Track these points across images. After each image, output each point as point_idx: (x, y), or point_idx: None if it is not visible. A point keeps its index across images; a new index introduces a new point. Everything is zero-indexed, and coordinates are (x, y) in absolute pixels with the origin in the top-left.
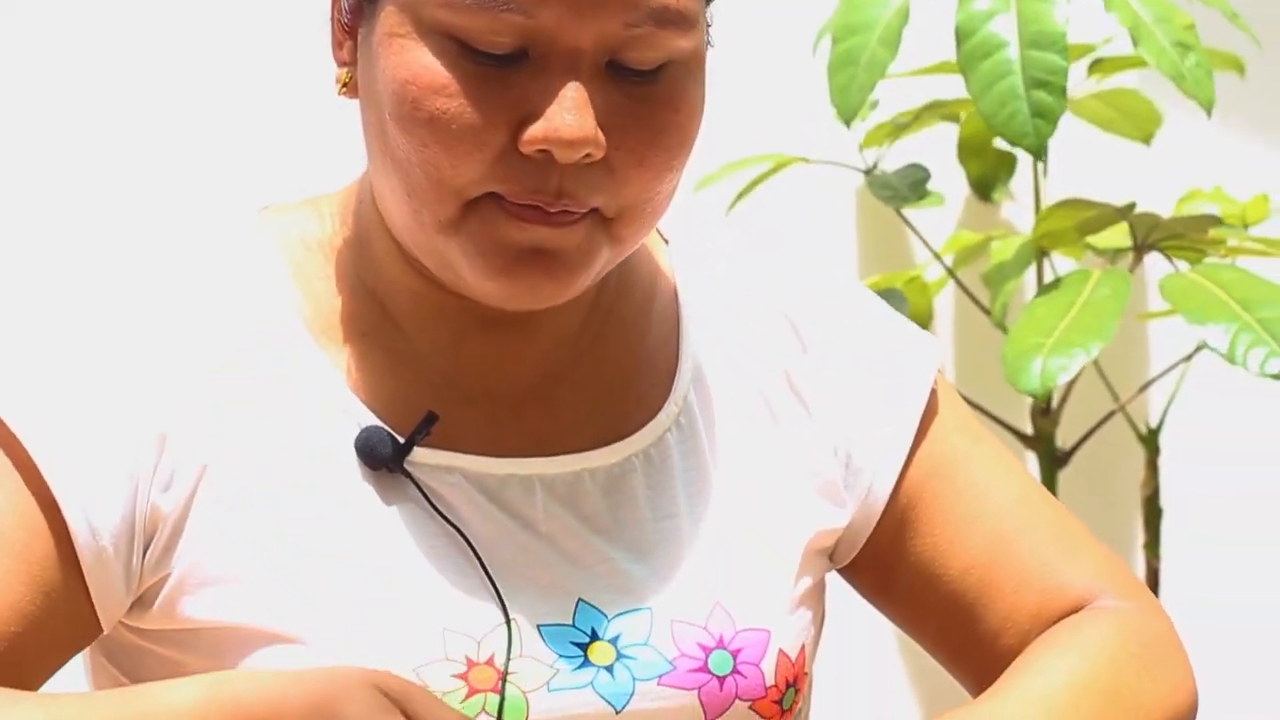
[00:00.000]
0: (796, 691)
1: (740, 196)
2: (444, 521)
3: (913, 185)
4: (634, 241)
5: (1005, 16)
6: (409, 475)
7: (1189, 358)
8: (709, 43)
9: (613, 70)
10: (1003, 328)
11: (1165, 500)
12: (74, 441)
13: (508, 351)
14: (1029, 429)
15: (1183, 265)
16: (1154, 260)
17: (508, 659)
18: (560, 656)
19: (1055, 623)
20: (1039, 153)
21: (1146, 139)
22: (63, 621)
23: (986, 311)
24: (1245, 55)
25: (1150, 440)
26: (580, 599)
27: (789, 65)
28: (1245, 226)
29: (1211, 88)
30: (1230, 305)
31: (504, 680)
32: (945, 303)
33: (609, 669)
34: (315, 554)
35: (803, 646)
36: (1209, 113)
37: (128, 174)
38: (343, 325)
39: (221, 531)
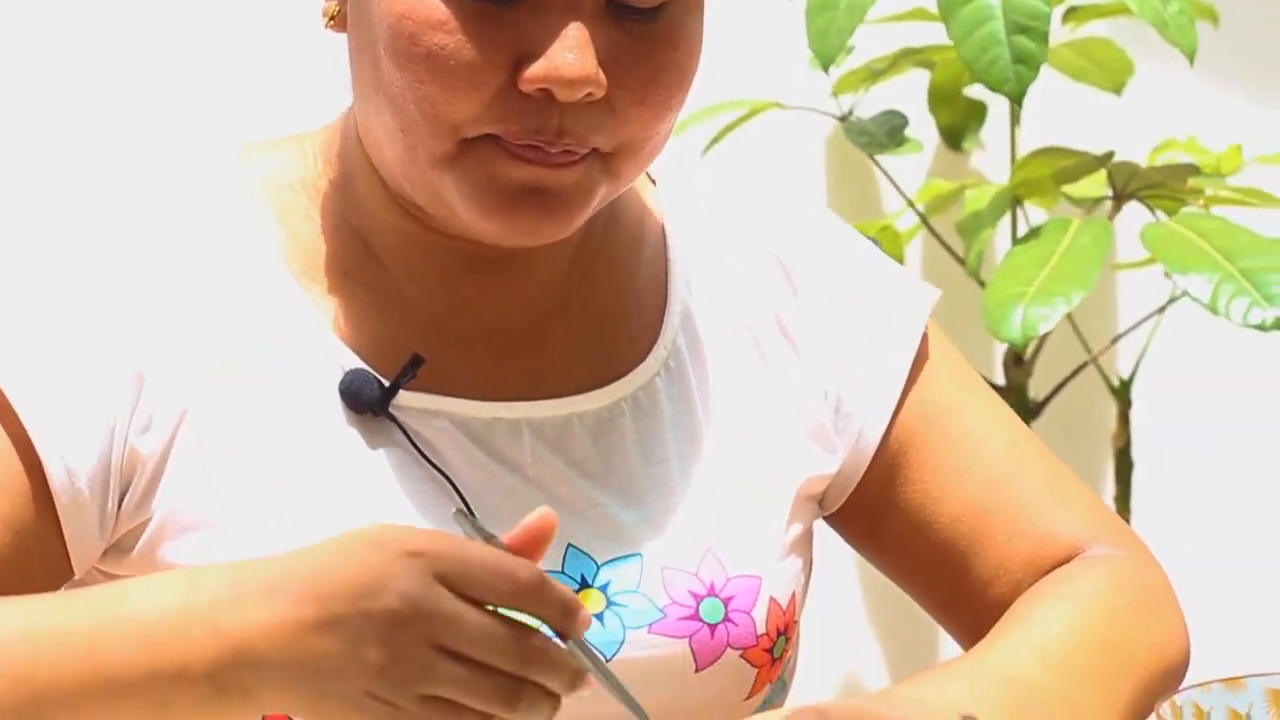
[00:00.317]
0: (787, 640)
1: (714, 142)
2: (430, 466)
3: (890, 132)
4: (631, 178)
5: None
6: (394, 419)
7: (1162, 310)
8: None
9: (613, 9)
10: (976, 277)
11: (1137, 453)
12: (49, 382)
13: (495, 292)
14: (1001, 380)
15: (1160, 216)
16: (1125, 213)
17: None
18: None
19: (1047, 571)
20: (1020, 99)
21: (1118, 89)
22: (33, 562)
23: (960, 261)
24: (1219, 5)
25: (1122, 392)
26: (570, 545)
27: (761, 9)
28: (1220, 177)
29: (1194, 35)
30: (1212, 255)
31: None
32: (916, 252)
33: (599, 617)
34: (299, 499)
35: (793, 594)
36: (1191, 60)
37: (104, 110)
38: (326, 265)
39: (203, 476)
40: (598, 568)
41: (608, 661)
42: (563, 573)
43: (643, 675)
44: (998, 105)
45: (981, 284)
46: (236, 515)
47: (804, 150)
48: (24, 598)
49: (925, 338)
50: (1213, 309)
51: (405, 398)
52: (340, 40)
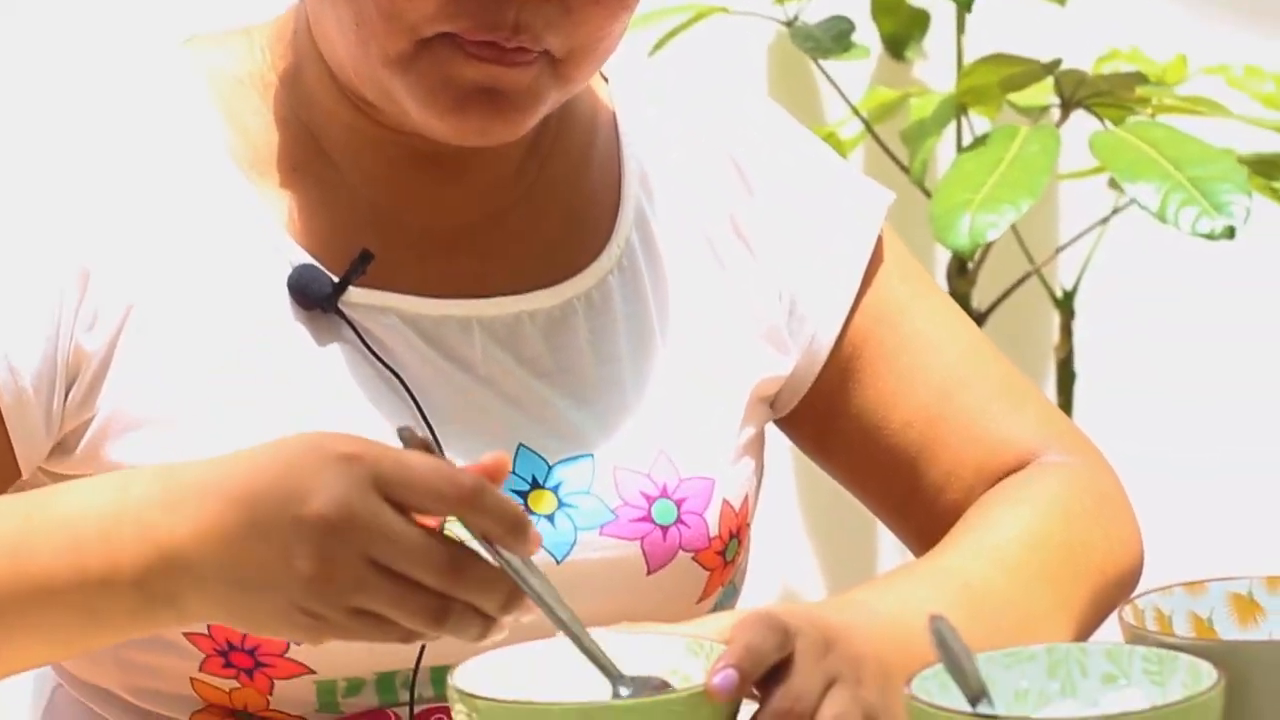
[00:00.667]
0: (739, 543)
1: (659, 46)
2: (379, 363)
3: (836, 37)
4: (581, 82)
5: None
6: (343, 315)
7: (1105, 221)
8: None
9: None
10: (921, 186)
11: (1079, 364)
12: None
13: (444, 189)
14: (945, 289)
15: (1108, 125)
16: (1069, 124)
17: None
18: None
19: (1000, 478)
20: (969, 5)
21: None
22: None
23: (904, 169)
24: None
25: (1065, 303)
26: (521, 444)
27: None
28: (1167, 87)
29: None
30: (1161, 163)
31: (441, 529)
32: (859, 160)
33: (550, 518)
34: (246, 397)
35: (746, 496)
36: None
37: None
38: (273, 160)
39: (148, 372)
40: (549, 468)
41: (558, 564)
42: (514, 473)
43: (594, 578)
44: (942, 14)
45: (926, 193)
46: (182, 412)
47: (747, 56)
48: None
49: (880, 240)
50: (1161, 217)
51: (354, 294)
52: None
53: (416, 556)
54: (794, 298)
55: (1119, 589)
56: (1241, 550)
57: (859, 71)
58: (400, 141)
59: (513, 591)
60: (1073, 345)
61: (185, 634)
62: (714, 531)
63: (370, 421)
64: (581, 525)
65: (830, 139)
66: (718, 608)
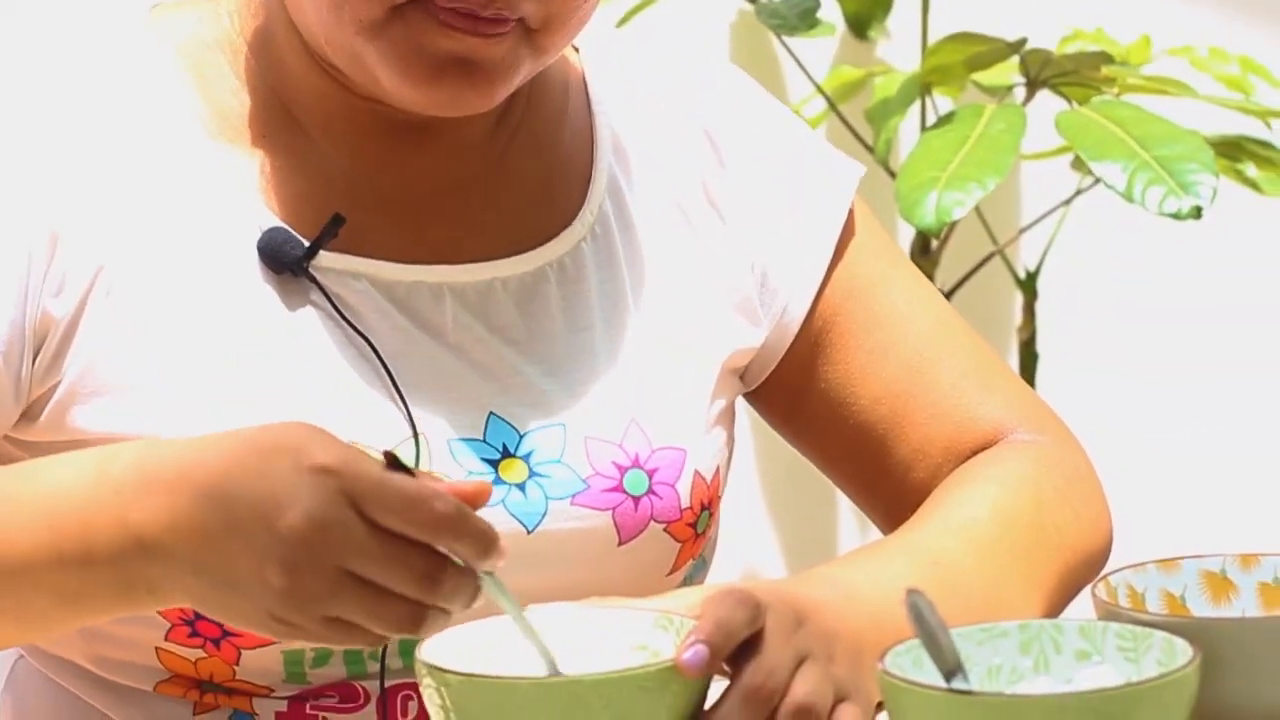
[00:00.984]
0: (710, 515)
1: (623, 21)
2: (350, 329)
3: (802, 14)
4: (555, 53)
5: None
6: (314, 279)
7: (1068, 202)
8: None
9: None
10: (885, 165)
11: (1041, 345)
12: None
13: (415, 156)
14: None
15: (1073, 105)
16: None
17: (414, 474)
18: (470, 473)
19: (969, 456)
20: None
21: None
22: None
23: (868, 148)
24: None
25: (1028, 284)
26: (491, 412)
27: None
28: (1132, 67)
29: None
30: (1128, 143)
31: None
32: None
33: (520, 487)
34: (213, 361)
35: (717, 468)
36: None
37: None
38: (242, 126)
39: (115, 337)
40: (520, 437)
41: (529, 534)
42: (484, 441)
43: (565, 548)
44: None
45: (890, 172)
46: (149, 378)
47: (710, 33)
48: None
49: (851, 213)
50: (1128, 197)
51: (325, 258)
52: None
53: (391, 568)
54: (765, 270)
55: (1088, 568)
56: (1204, 531)
57: (822, 50)
58: (369, 109)
59: (480, 593)
60: (1035, 326)
61: None
62: (685, 503)
63: (340, 387)
64: (553, 495)
65: None
66: (687, 581)
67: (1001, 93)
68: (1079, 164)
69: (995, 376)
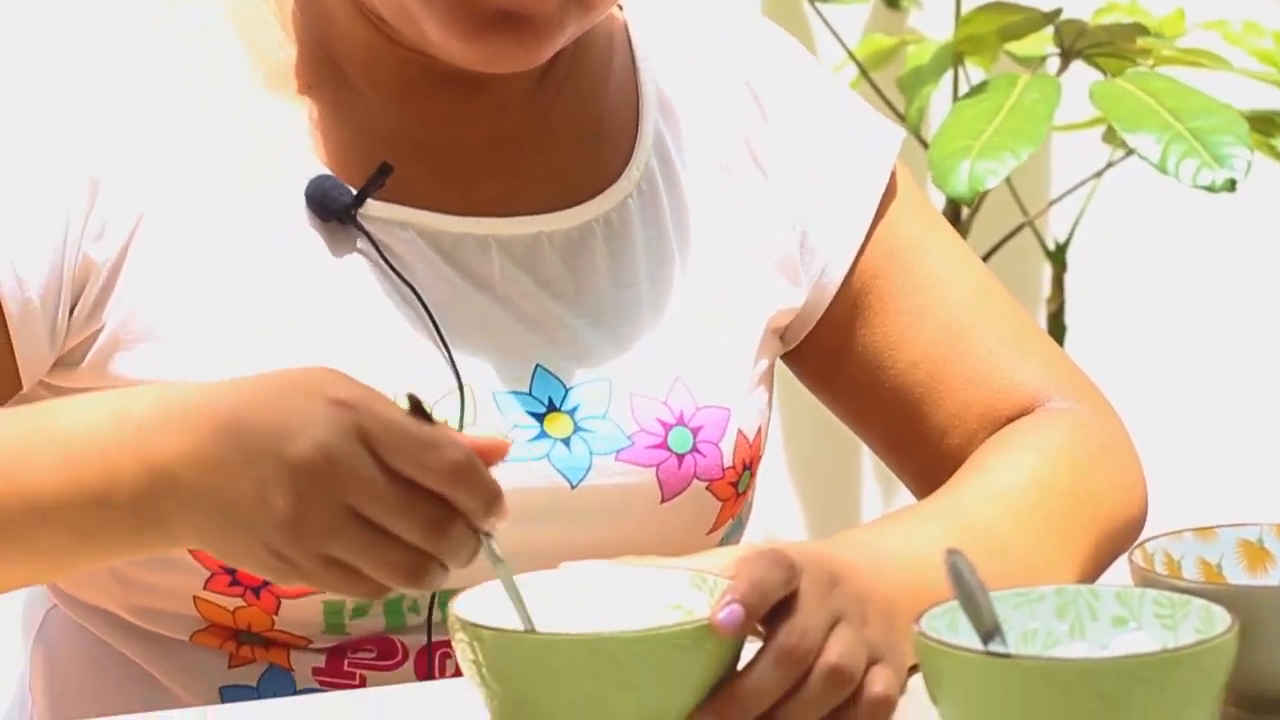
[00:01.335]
0: (751, 475)
1: None
2: (396, 278)
3: None
4: (603, 10)
5: None
6: (361, 228)
7: (1099, 174)
8: None
9: None
10: (916, 134)
11: (1070, 317)
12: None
13: (462, 108)
14: None
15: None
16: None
17: (460, 426)
18: (515, 426)
19: (1005, 423)
20: None
21: None
22: None
23: (900, 117)
24: None
25: (1058, 256)
26: (538, 365)
27: None
28: (1166, 39)
29: None
30: (1162, 115)
31: None
32: None
33: (565, 441)
34: (258, 309)
35: (759, 428)
36: None
37: None
38: (289, 77)
39: (158, 283)
40: (566, 391)
41: (573, 489)
42: (530, 394)
43: (608, 504)
44: None
45: (922, 142)
46: (194, 324)
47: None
48: None
49: (893, 175)
50: (1162, 169)
51: (372, 207)
52: None
53: (398, 512)
54: (806, 230)
55: (1124, 536)
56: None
57: (854, 17)
58: (415, 61)
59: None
60: (1064, 298)
61: (190, 550)
62: (728, 462)
63: (386, 336)
64: (597, 450)
65: None
66: (724, 541)
67: (1035, 63)
68: (1111, 136)
69: (1032, 343)
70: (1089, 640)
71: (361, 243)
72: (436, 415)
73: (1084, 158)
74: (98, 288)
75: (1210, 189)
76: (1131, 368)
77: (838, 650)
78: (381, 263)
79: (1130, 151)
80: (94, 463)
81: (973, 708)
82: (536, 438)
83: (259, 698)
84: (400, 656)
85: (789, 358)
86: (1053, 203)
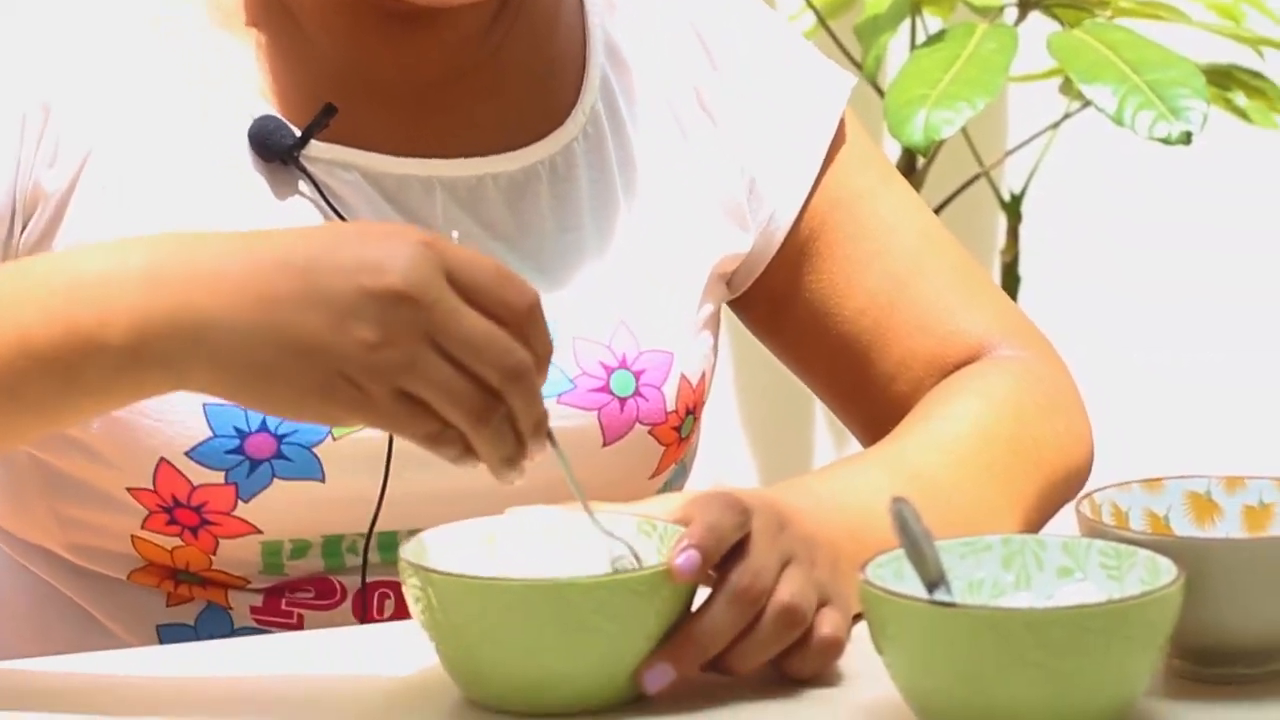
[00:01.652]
0: (694, 419)
1: None
2: (339, 219)
3: None
4: None
5: None
6: (303, 169)
7: (1056, 125)
8: None
9: None
10: (873, 83)
11: (1024, 267)
12: None
13: (408, 47)
14: None
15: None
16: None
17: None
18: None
19: (952, 370)
20: None
21: None
22: None
23: (856, 65)
24: None
25: (1013, 207)
26: None
27: None
28: None
29: None
30: (1119, 66)
31: None
32: None
33: None
34: None
35: (703, 373)
36: None
37: None
38: (237, 13)
39: (104, 219)
40: None
41: None
42: None
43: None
44: None
45: (878, 90)
46: None
47: None
48: None
49: (842, 123)
50: (1118, 120)
51: (316, 148)
52: None
53: (481, 342)
54: (754, 176)
55: (1068, 485)
56: (1179, 455)
57: None
58: None
59: (541, 418)
60: (1019, 249)
61: (129, 489)
62: (671, 406)
63: None
64: None
65: None
66: (667, 487)
67: (993, 13)
68: (1068, 87)
69: (981, 291)
70: (1034, 590)
71: (304, 184)
72: None
73: (1041, 109)
74: (47, 216)
75: (1166, 141)
76: (1085, 319)
77: (789, 590)
78: (324, 204)
79: (1087, 103)
80: (94, 291)
81: (918, 657)
82: None
83: (196, 637)
84: (338, 596)
85: (736, 305)
86: (1009, 153)
